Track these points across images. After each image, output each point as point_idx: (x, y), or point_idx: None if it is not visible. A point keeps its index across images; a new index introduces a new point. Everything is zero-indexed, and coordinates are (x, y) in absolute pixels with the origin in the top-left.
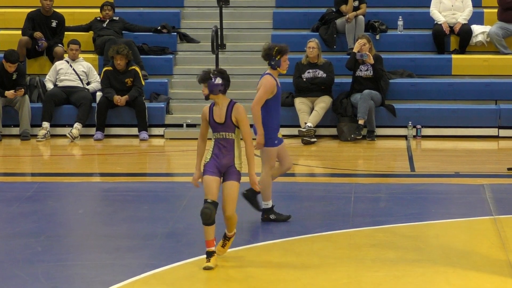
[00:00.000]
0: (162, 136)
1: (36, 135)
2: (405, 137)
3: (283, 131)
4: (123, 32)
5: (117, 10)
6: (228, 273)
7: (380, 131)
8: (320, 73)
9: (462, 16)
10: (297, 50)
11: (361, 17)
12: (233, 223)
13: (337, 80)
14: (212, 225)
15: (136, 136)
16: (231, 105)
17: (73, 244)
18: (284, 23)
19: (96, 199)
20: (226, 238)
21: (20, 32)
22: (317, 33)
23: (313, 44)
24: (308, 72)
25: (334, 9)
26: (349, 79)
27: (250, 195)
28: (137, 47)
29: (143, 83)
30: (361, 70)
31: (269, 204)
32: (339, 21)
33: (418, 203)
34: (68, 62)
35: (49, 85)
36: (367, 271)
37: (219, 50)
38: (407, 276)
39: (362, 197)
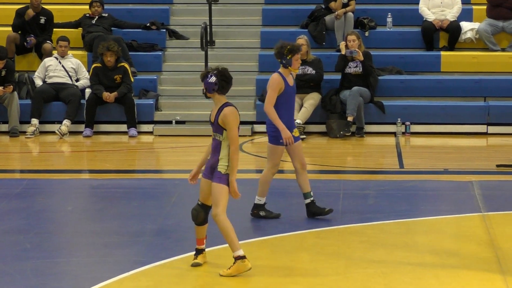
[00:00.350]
0: (151, 133)
1: (25, 132)
2: (394, 133)
3: None
4: (112, 28)
5: (106, 6)
6: (217, 270)
7: (369, 128)
8: (310, 70)
9: (451, 13)
10: None
11: (350, 14)
12: (221, 228)
13: (326, 76)
14: (201, 225)
15: (125, 132)
16: (222, 107)
17: (62, 241)
18: (273, 20)
19: (85, 196)
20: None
21: (8, 28)
22: (306, 30)
23: (302, 41)
24: None
25: (323, 6)
26: (338, 76)
27: (312, 209)
28: (126, 43)
29: (132, 79)
30: (350, 67)
31: (262, 200)
32: (328, 18)
33: (407, 200)
34: (57, 58)
35: (38, 82)
36: (356, 268)
37: (208, 47)
38: (396, 272)
39: (351, 193)
